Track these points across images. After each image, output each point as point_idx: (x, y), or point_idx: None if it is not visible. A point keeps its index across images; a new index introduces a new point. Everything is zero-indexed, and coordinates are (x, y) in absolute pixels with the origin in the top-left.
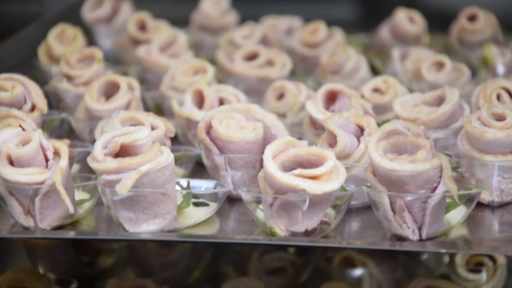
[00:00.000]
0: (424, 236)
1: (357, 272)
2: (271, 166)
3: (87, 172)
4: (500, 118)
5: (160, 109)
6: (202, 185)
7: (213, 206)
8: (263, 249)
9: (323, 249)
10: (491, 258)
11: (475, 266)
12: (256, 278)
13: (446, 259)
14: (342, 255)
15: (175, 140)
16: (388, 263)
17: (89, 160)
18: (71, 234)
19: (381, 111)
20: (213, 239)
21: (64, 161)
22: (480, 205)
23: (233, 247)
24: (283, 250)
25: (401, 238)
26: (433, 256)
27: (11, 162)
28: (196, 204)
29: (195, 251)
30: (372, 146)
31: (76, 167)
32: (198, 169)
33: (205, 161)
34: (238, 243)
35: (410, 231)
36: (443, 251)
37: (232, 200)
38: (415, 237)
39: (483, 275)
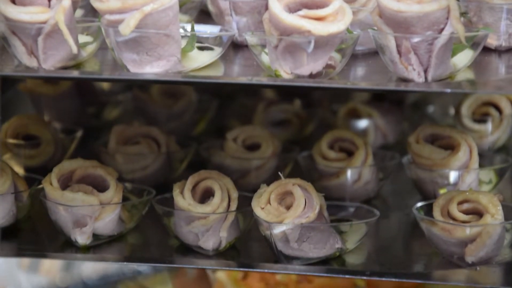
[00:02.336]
0: (429, 78)
1: (363, 123)
2: (276, 6)
3: (91, 18)
4: None
5: None
6: (206, 30)
7: (218, 51)
8: (268, 101)
9: (328, 100)
10: (497, 108)
11: (481, 117)
12: (261, 128)
13: (452, 111)
14: (348, 107)
15: None
16: (393, 114)
17: (92, 0)
18: (75, 73)
19: None
20: (217, 79)
21: (66, 0)
22: (487, 50)
23: (238, 99)
24: (288, 102)
25: (406, 81)
26: (439, 107)
27: (13, 1)
28: (201, 49)
29: (201, 103)
30: None
31: (79, 12)
32: (203, 17)
33: (210, 7)
34: (243, 86)
35: (415, 73)
36: (448, 90)
37: (237, 46)
38: (421, 79)
39: (489, 126)
